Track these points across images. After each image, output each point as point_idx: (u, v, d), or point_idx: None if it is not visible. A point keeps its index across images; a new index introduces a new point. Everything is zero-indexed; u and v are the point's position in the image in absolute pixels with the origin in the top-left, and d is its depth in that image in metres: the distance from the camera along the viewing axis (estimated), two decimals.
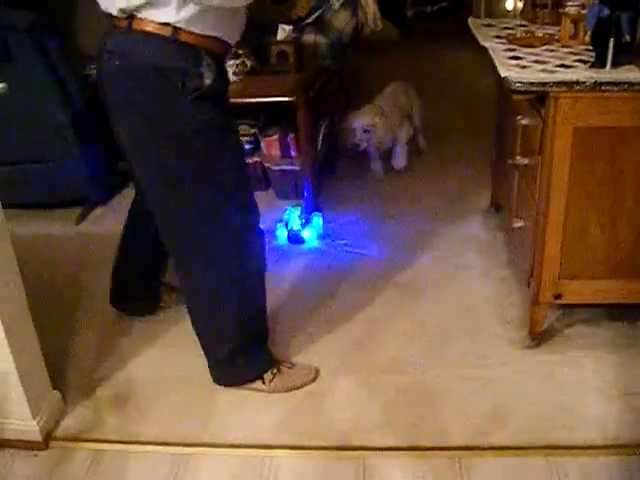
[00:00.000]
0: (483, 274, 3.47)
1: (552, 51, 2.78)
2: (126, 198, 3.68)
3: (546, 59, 2.66)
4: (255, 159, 4.36)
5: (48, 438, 2.63)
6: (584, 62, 2.57)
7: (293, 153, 4.23)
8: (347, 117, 4.47)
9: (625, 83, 2.39)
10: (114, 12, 2.28)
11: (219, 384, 2.83)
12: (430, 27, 8.01)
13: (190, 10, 2.21)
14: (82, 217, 4.22)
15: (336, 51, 4.66)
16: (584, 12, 2.70)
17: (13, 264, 2.47)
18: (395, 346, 3.02)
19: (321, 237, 3.94)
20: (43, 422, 2.61)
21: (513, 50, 2.83)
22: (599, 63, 2.48)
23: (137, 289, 3.20)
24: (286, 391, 2.80)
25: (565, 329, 3.03)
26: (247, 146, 4.37)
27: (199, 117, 2.35)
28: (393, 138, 4.59)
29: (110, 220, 4.09)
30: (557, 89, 2.42)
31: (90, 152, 4.03)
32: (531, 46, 2.86)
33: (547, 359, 2.87)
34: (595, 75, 2.42)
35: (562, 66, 2.56)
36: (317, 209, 4.14)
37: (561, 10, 2.89)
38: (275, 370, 2.82)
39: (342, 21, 4.79)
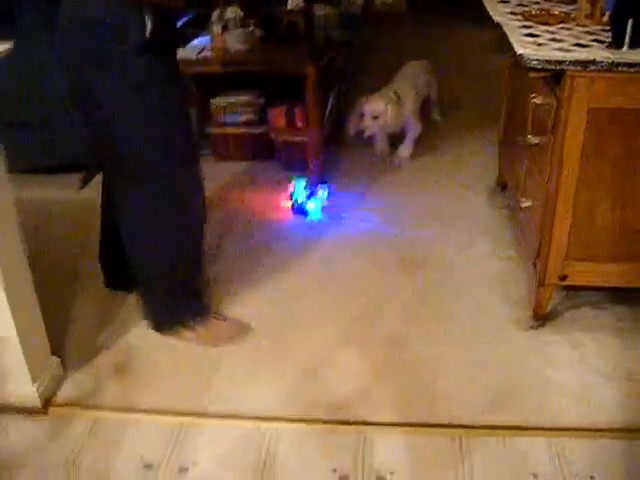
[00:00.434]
0: (488, 252, 3.45)
1: (568, 30, 2.75)
2: None
3: (562, 37, 2.63)
4: (261, 130, 4.33)
5: (47, 404, 2.62)
6: (601, 42, 2.54)
7: (299, 124, 4.19)
8: (358, 101, 4.36)
9: None
10: None
11: (151, 327, 2.95)
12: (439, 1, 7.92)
13: None
14: (85, 183, 4.18)
15: (346, 23, 4.62)
16: None
17: (15, 229, 2.44)
18: (398, 321, 3.01)
19: (325, 209, 3.92)
20: (42, 388, 2.60)
21: (529, 27, 2.79)
22: (616, 43, 2.44)
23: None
24: (213, 342, 2.88)
25: (569, 311, 3.01)
26: (253, 116, 4.34)
27: (139, 72, 2.41)
28: (404, 124, 4.46)
29: None
30: (573, 68, 2.38)
31: None
32: (547, 24, 2.82)
33: (550, 340, 2.86)
34: (612, 55, 2.38)
35: (578, 45, 2.53)
36: (322, 181, 4.11)
37: None
38: (204, 320, 2.91)
39: None
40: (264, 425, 2.51)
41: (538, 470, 2.30)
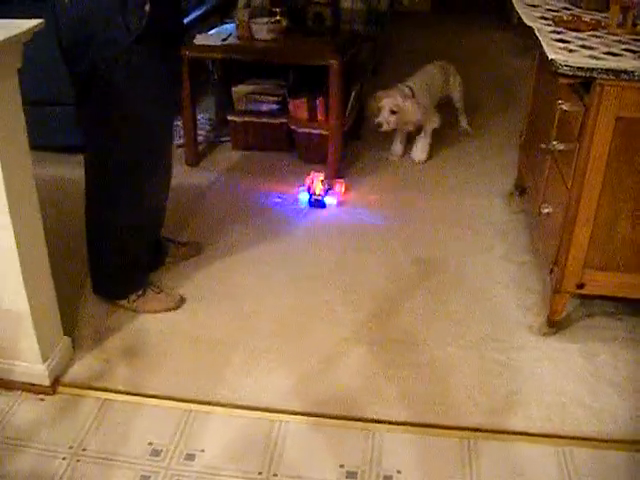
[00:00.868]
0: (503, 257, 3.44)
1: (599, 37, 2.72)
2: None
3: (593, 45, 2.60)
4: (281, 120, 4.32)
5: (56, 383, 2.61)
6: (632, 52, 2.51)
7: (320, 117, 4.18)
8: (376, 95, 4.35)
9: None
10: None
11: (94, 292, 3.08)
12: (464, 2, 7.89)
13: None
14: None
15: (372, 18, 4.60)
16: (636, 0, 2.64)
17: (35, 205, 2.44)
18: (411, 321, 3.00)
19: (341, 205, 3.91)
20: (52, 367, 2.59)
21: (559, 33, 2.77)
22: None
23: None
24: (147, 312, 3.00)
25: (583, 320, 3.00)
26: (274, 106, 4.33)
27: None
28: (421, 121, 4.40)
29: None
30: (605, 77, 2.35)
31: None
32: (578, 30, 2.80)
33: (564, 348, 2.84)
34: None
35: (609, 54, 2.50)
36: (340, 175, 4.10)
37: None
38: (141, 292, 3.01)
39: None
40: (272, 417, 2.50)
41: (545, 478, 2.28)
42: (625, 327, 2.96)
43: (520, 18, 3.08)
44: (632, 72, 2.33)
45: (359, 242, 3.57)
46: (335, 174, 4.09)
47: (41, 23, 2.21)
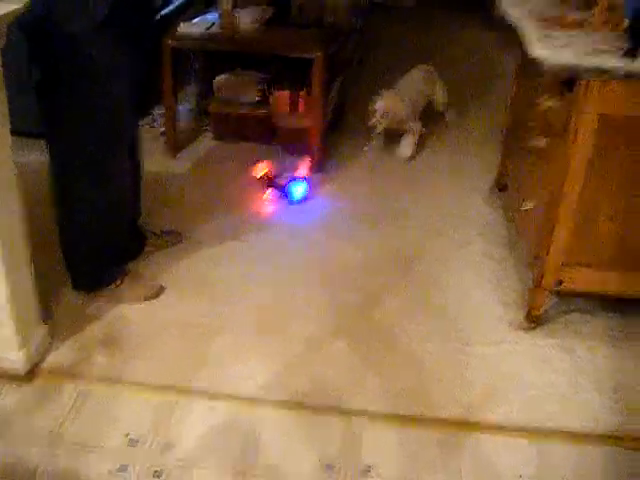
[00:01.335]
0: (484, 253, 3.44)
1: (583, 35, 2.72)
2: None
3: (577, 43, 2.60)
4: (263, 111, 4.31)
5: (33, 372, 2.60)
6: (616, 50, 2.52)
7: (302, 109, 4.17)
8: (372, 100, 4.32)
9: None
10: None
11: (74, 288, 3.01)
12: None
13: None
14: None
15: (356, 11, 4.60)
16: None
17: (15, 191, 2.42)
18: (391, 316, 3.00)
19: (319, 198, 3.90)
20: (30, 355, 2.58)
21: (543, 30, 2.77)
22: (631, 54, 2.43)
23: None
24: (127, 301, 2.99)
25: (562, 316, 3.01)
26: (255, 97, 4.31)
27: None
28: (405, 124, 4.40)
29: None
30: (588, 74, 2.37)
31: None
32: (562, 28, 2.80)
33: (542, 343, 2.86)
34: (627, 65, 2.37)
35: (594, 51, 2.51)
36: (321, 168, 4.09)
37: None
38: (119, 281, 3.01)
39: None
40: (251, 408, 2.50)
41: (523, 472, 2.30)
42: (603, 324, 2.98)
43: (504, 15, 3.08)
44: (614, 71, 2.34)
45: (339, 235, 3.57)
46: (316, 166, 4.08)
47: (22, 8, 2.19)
